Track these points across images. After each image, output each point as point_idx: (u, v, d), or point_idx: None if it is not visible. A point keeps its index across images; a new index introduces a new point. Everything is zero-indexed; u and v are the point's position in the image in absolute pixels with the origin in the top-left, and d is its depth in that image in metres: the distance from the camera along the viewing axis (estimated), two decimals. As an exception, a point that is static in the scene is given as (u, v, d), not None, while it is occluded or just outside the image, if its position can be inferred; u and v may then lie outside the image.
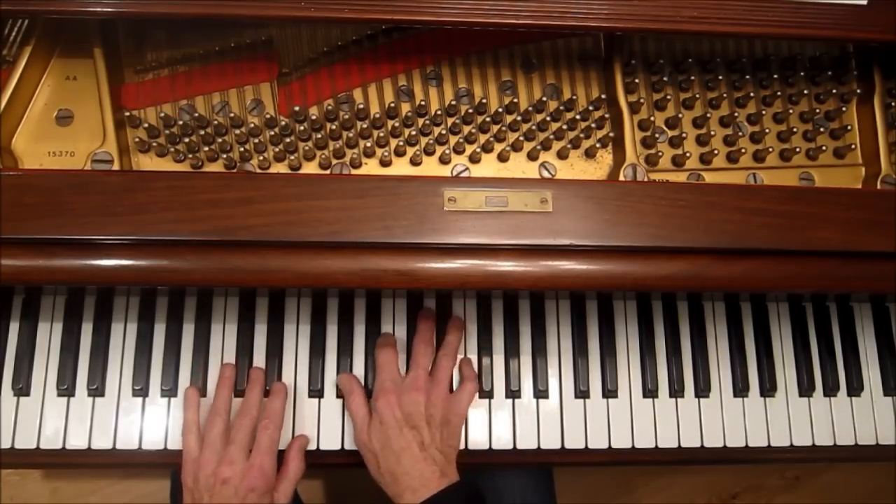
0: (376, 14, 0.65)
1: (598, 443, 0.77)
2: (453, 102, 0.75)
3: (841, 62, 0.80)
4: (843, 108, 0.78)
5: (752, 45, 0.80)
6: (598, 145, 0.75)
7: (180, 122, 0.72)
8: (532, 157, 0.75)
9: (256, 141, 0.72)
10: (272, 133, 0.73)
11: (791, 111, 0.79)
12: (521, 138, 0.75)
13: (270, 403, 0.73)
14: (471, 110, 0.75)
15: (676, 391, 0.79)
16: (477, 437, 0.77)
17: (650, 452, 0.78)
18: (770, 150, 0.77)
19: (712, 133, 0.77)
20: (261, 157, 0.73)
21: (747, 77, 0.79)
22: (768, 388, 0.80)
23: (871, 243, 0.67)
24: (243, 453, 0.69)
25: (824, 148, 0.78)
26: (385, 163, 0.74)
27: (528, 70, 0.78)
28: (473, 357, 0.78)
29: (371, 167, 0.74)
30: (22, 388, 0.73)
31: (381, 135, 0.74)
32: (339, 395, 0.76)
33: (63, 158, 0.71)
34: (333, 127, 0.73)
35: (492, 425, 0.77)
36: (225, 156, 0.72)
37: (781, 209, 0.67)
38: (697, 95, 0.78)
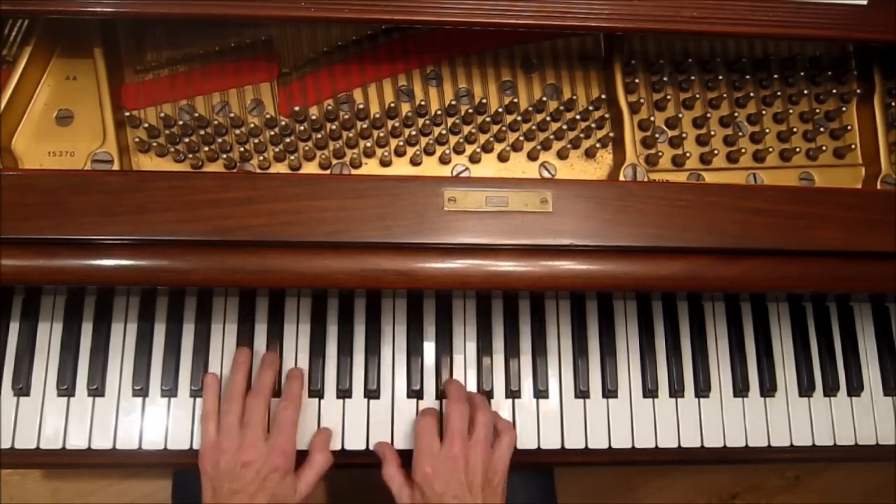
0: (376, 14, 0.65)
1: (598, 443, 0.77)
2: (453, 102, 0.75)
3: (841, 62, 0.81)
4: (843, 108, 0.78)
5: (752, 45, 0.80)
6: (598, 145, 0.75)
7: (180, 122, 0.72)
8: (532, 157, 0.75)
9: (256, 141, 0.72)
10: (272, 133, 0.73)
11: (791, 111, 0.79)
12: (521, 138, 0.75)
13: (288, 386, 0.74)
14: (471, 110, 0.75)
15: (676, 391, 0.79)
16: (477, 437, 0.77)
17: (650, 452, 0.78)
18: (770, 150, 0.77)
19: (712, 133, 0.77)
20: (261, 157, 0.73)
21: (747, 77, 0.79)
22: (768, 388, 0.80)
23: (871, 243, 0.67)
24: (261, 435, 0.69)
25: (824, 148, 0.78)
26: (385, 163, 0.74)
27: (528, 70, 0.78)
28: (473, 357, 0.78)
29: (371, 167, 0.74)
30: (22, 388, 0.73)
31: (381, 135, 0.74)
32: (340, 395, 0.76)
33: (63, 158, 0.71)
34: (333, 127, 0.73)
35: (492, 425, 0.77)
36: (225, 156, 0.72)
37: (782, 209, 0.67)
38: (697, 95, 0.78)
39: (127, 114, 0.72)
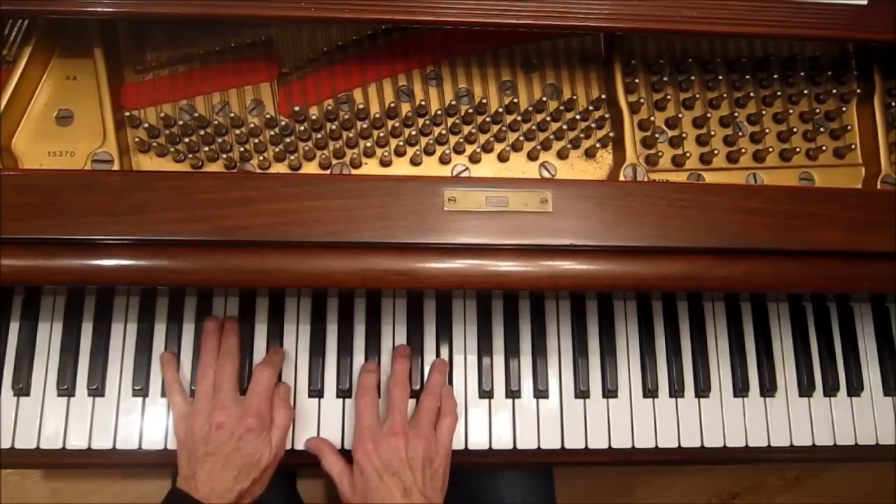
0: (376, 14, 0.65)
1: (598, 443, 0.77)
2: (453, 102, 0.75)
3: (841, 62, 0.80)
4: (843, 108, 0.78)
5: (752, 45, 0.80)
6: (598, 145, 0.75)
7: (180, 122, 0.72)
8: (532, 157, 0.75)
9: (256, 141, 0.72)
10: (272, 133, 0.73)
11: (791, 111, 0.79)
12: (521, 138, 0.75)
13: (270, 354, 0.75)
14: (471, 110, 0.75)
15: (676, 391, 0.79)
16: (477, 437, 0.77)
17: (650, 452, 0.78)
18: (770, 150, 0.77)
19: (712, 133, 0.77)
20: (261, 157, 0.73)
21: (747, 77, 0.79)
22: (768, 388, 0.80)
23: (871, 243, 0.67)
24: (233, 397, 0.70)
25: (824, 148, 0.78)
26: (385, 163, 0.74)
27: (528, 70, 0.78)
28: (473, 357, 0.78)
29: (371, 167, 0.74)
30: (22, 388, 0.73)
31: (381, 135, 0.74)
32: (340, 394, 0.76)
33: (63, 158, 0.71)
34: (333, 127, 0.73)
35: (492, 425, 0.77)
36: (225, 156, 0.72)
37: (781, 209, 0.67)
38: (697, 95, 0.78)
39: (127, 114, 0.72)
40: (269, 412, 0.70)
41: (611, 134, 0.75)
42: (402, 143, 0.74)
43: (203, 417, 0.68)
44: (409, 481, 0.68)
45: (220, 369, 0.71)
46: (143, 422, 0.74)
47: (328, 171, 0.74)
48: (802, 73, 0.79)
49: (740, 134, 0.78)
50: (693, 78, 0.78)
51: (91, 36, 0.72)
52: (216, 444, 0.67)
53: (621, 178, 0.73)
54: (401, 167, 0.74)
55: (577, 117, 0.76)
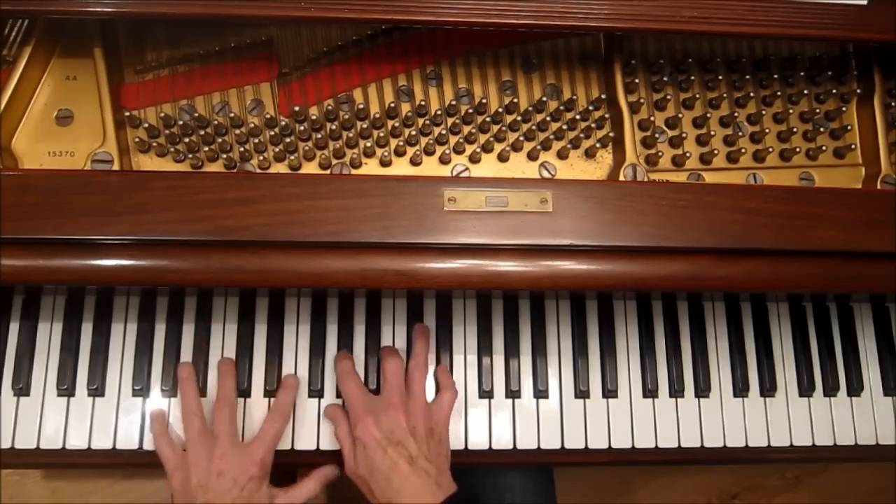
0: (376, 14, 0.65)
1: (598, 443, 0.77)
2: (453, 102, 0.75)
3: (841, 62, 0.81)
4: (843, 108, 0.78)
5: (752, 45, 0.80)
6: (598, 145, 0.75)
7: (180, 122, 0.72)
8: (532, 157, 0.75)
9: (256, 141, 0.72)
10: (272, 133, 0.73)
11: (791, 111, 0.79)
12: (521, 138, 0.75)
13: (281, 397, 0.74)
14: (471, 110, 0.75)
15: (676, 391, 0.79)
16: (477, 437, 0.77)
17: (650, 452, 0.78)
18: (770, 150, 0.77)
19: (712, 133, 0.77)
20: (261, 157, 0.73)
21: (747, 77, 0.79)
22: (768, 388, 0.80)
23: (871, 243, 0.67)
24: (232, 444, 0.69)
25: (824, 148, 0.78)
26: (385, 163, 0.74)
27: (528, 70, 0.78)
28: (473, 357, 0.78)
29: (371, 167, 0.74)
30: (22, 388, 0.73)
31: (381, 135, 0.74)
32: (340, 395, 0.76)
33: (63, 158, 0.71)
34: (333, 127, 0.73)
35: (492, 425, 0.77)
36: (225, 156, 0.72)
37: (781, 209, 0.67)
38: (697, 95, 0.78)
39: (127, 114, 0.72)
40: (271, 464, 0.70)
41: (611, 134, 0.75)
42: (402, 143, 0.74)
43: (201, 465, 0.68)
44: (415, 450, 0.67)
45: (218, 415, 0.71)
46: (143, 422, 0.74)
47: (328, 171, 0.74)
48: (802, 73, 0.79)
49: (740, 134, 0.78)
50: (693, 78, 0.78)
51: (91, 36, 0.72)
52: (216, 493, 0.66)
53: (621, 178, 0.73)
54: (401, 167, 0.74)
55: (577, 117, 0.76)
